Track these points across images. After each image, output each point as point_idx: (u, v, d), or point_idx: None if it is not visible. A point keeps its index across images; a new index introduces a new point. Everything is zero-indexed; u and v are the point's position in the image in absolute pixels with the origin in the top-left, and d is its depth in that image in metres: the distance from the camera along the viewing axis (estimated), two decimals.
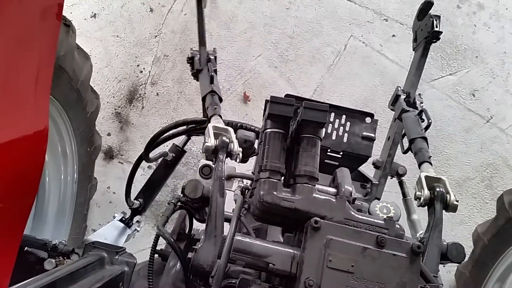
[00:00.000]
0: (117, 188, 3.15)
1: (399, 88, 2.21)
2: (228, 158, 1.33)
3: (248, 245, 0.98)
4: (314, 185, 1.04)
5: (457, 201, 1.44)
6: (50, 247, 1.55)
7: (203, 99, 1.77)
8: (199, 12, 2.10)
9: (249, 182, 1.70)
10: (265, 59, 3.43)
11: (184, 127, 1.79)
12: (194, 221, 1.58)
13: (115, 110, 3.32)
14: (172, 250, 1.41)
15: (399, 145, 2.18)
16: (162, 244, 1.45)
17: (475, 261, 2.25)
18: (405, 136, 1.97)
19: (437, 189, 1.44)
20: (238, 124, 1.72)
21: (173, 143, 2.04)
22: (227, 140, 1.30)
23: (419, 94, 2.21)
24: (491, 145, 3.30)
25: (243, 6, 3.49)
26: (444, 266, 1.48)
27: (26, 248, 1.55)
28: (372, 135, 1.86)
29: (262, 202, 1.02)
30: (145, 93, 3.36)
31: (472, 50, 3.44)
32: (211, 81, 1.82)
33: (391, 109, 2.25)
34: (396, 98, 2.18)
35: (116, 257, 1.29)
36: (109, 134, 3.27)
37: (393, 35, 3.47)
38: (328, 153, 1.84)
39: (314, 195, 1.02)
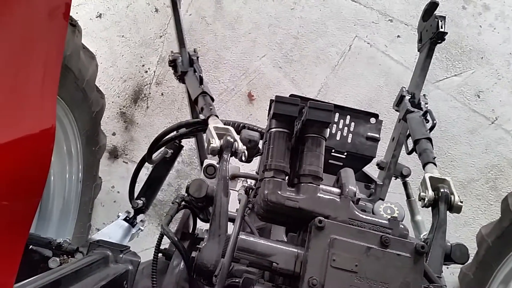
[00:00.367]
0: (121, 187, 3.16)
1: (403, 89, 2.21)
2: (232, 157, 1.33)
3: (252, 244, 0.98)
4: (319, 185, 1.04)
5: (462, 202, 1.43)
6: (54, 246, 1.56)
7: (195, 101, 1.77)
8: (175, 13, 2.09)
9: (253, 182, 1.70)
10: (270, 59, 3.43)
11: (186, 128, 1.79)
12: (198, 220, 1.59)
13: (120, 109, 3.34)
14: (176, 249, 1.42)
15: (403, 146, 2.17)
16: (165, 243, 1.46)
17: (479, 262, 2.24)
18: (410, 137, 1.96)
19: (442, 190, 1.43)
20: (241, 125, 1.73)
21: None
22: (232, 140, 1.30)
23: (424, 95, 2.21)
24: (496, 146, 3.29)
25: (248, 6, 3.50)
26: (447, 267, 1.48)
27: (30, 246, 1.57)
28: (377, 135, 1.86)
29: (266, 201, 1.03)
30: (150, 93, 3.37)
31: (477, 51, 3.43)
32: (201, 82, 1.82)
33: (396, 110, 2.24)
34: (400, 98, 2.17)
35: (121, 255, 1.30)
36: (114, 134, 3.29)
37: (398, 36, 3.47)
38: (332, 154, 1.84)
39: (318, 194, 1.03)
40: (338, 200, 1.02)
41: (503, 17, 3.48)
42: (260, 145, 1.65)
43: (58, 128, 2.14)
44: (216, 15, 3.47)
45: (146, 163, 1.96)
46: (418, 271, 0.92)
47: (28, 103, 0.91)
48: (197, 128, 1.68)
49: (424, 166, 1.70)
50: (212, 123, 1.44)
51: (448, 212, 1.43)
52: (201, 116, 1.69)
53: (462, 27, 3.46)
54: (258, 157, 1.81)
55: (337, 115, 1.86)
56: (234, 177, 1.71)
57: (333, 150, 1.84)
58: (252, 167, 2.26)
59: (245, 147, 1.33)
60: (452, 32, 3.37)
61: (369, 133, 1.85)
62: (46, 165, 0.94)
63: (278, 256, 0.97)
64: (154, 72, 3.40)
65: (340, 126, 1.86)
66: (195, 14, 3.47)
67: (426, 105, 2.10)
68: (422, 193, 1.47)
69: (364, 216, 1.01)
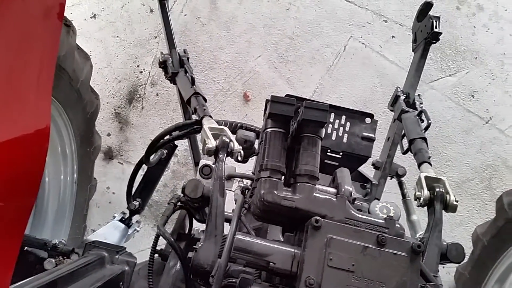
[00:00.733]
0: (116, 188, 3.15)
1: (398, 89, 2.22)
2: (228, 158, 1.33)
3: (248, 244, 0.98)
4: (315, 184, 1.04)
5: (457, 201, 1.44)
6: (50, 247, 1.55)
7: (188, 102, 1.76)
8: (163, 15, 2.09)
9: (249, 182, 1.70)
10: (265, 59, 3.44)
11: (183, 129, 1.79)
12: (194, 221, 1.59)
13: (115, 110, 3.32)
14: (172, 250, 1.41)
15: (398, 146, 2.18)
16: (162, 244, 1.46)
17: (474, 262, 2.25)
18: (405, 137, 1.97)
19: (437, 189, 1.44)
20: (238, 124, 1.72)
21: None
22: (227, 140, 1.30)
23: (419, 95, 2.22)
24: (490, 146, 3.31)
25: (243, 7, 3.50)
26: (443, 267, 1.48)
27: (26, 247, 1.55)
28: (372, 135, 1.86)
29: (262, 201, 1.03)
30: (145, 94, 3.36)
31: (471, 51, 3.45)
32: (193, 83, 1.81)
33: (391, 110, 2.25)
34: (395, 99, 2.18)
35: (117, 256, 1.29)
36: (108, 135, 3.27)
37: (393, 36, 3.48)
38: (328, 154, 1.85)
39: (314, 194, 1.03)
40: (334, 199, 1.02)
41: (496, 18, 3.50)
42: (256, 145, 1.65)
43: (53, 129, 2.13)
44: (211, 15, 3.47)
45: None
46: (414, 270, 0.92)
47: (22, 103, 0.91)
48: (194, 129, 1.68)
49: (419, 165, 1.70)
50: (207, 124, 1.44)
51: (443, 211, 1.44)
52: (194, 117, 1.69)
53: (457, 27, 3.48)
54: (254, 157, 1.81)
55: (332, 115, 1.86)
56: (230, 177, 1.71)
57: (328, 150, 1.84)
58: (248, 168, 2.26)
59: (241, 147, 1.33)
60: (447, 32, 3.39)
61: (364, 133, 1.86)
62: (41, 165, 0.94)
63: (275, 256, 0.97)
64: (149, 72, 3.39)
65: (336, 126, 1.86)
66: (190, 14, 3.47)
67: (421, 105, 2.11)
68: (417, 193, 1.47)
69: (361, 216, 1.01)
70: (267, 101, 1.17)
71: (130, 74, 3.38)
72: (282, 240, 1.16)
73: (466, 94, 3.40)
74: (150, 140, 3.20)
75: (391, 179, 2.28)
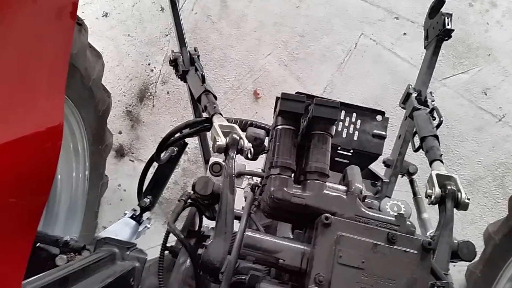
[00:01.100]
0: (128, 185, 3.17)
1: (410, 86, 2.19)
2: (238, 155, 1.33)
3: (258, 240, 0.98)
4: (325, 182, 1.04)
5: (468, 199, 1.42)
6: (61, 243, 1.56)
7: (198, 100, 1.77)
8: (174, 13, 2.09)
9: (259, 179, 1.70)
10: (275, 57, 3.43)
11: (194, 126, 1.79)
12: (204, 218, 1.59)
13: (126, 108, 3.35)
14: (182, 247, 1.42)
15: (410, 144, 2.16)
16: (172, 241, 1.46)
17: (486, 260, 2.23)
18: (416, 134, 1.95)
19: (448, 187, 1.42)
20: (248, 122, 1.72)
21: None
22: (237, 138, 1.30)
23: (431, 92, 2.19)
24: (503, 144, 3.27)
25: (253, 5, 3.50)
26: (454, 265, 1.47)
27: (38, 244, 1.57)
28: (383, 133, 1.85)
29: (272, 198, 1.03)
30: (155, 92, 3.38)
31: (484, 48, 3.41)
32: (203, 81, 1.82)
33: (402, 107, 2.23)
34: (407, 96, 2.16)
35: (127, 252, 1.30)
36: (120, 132, 3.30)
37: (404, 33, 3.45)
38: (338, 151, 1.84)
39: (324, 191, 1.02)
40: (345, 197, 1.02)
41: (510, 14, 3.45)
42: (265, 143, 1.65)
43: (65, 126, 2.15)
44: (221, 13, 3.47)
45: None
46: (425, 267, 0.92)
47: (36, 101, 0.92)
48: (204, 126, 1.68)
49: (430, 163, 1.69)
50: (217, 121, 1.44)
51: (455, 209, 1.42)
52: (205, 115, 1.69)
53: (469, 24, 3.44)
54: (264, 155, 1.81)
55: (343, 112, 1.85)
56: (240, 174, 1.71)
57: (339, 148, 1.83)
58: (258, 165, 2.27)
59: (251, 145, 1.33)
60: (459, 29, 3.35)
61: (375, 131, 1.85)
62: (54, 163, 0.95)
63: (285, 253, 0.97)
64: (160, 71, 3.41)
65: (346, 124, 1.85)
66: (200, 12, 3.48)
67: (433, 102, 2.09)
68: (428, 190, 1.46)
69: (371, 213, 1.01)
70: (277, 98, 1.17)
71: (141, 72, 3.40)
72: (292, 237, 1.17)
73: (479, 91, 3.35)
74: (161, 137, 3.21)
75: (402, 177, 2.26)
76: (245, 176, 1.74)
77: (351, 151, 1.84)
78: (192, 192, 1.39)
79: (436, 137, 1.79)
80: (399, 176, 2.23)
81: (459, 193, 1.42)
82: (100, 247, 1.31)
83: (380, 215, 1.00)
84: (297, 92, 1.79)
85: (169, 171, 2.16)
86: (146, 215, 2.12)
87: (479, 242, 2.28)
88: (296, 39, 3.46)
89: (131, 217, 2.03)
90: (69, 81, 1.90)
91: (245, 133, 1.51)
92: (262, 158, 1.75)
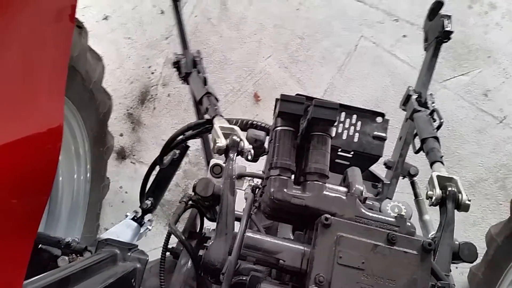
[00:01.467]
0: (129, 188, 3.18)
1: (410, 88, 2.20)
2: (239, 157, 1.34)
3: (258, 241, 0.99)
4: (325, 183, 1.04)
5: (469, 201, 1.42)
6: (63, 245, 1.57)
7: (200, 102, 1.78)
8: (177, 16, 2.11)
9: (259, 181, 1.70)
10: (275, 60, 3.44)
11: (196, 128, 1.80)
12: (205, 220, 1.59)
13: (127, 111, 3.36)
14: (183, 248, 1.42)
15: (411, 145, 2.16)
16: (173, 243, 1.47)
17: (488, 262, 2.22)
18: (417, 136, 1.95)
19: (449, 189, 1.42)
20: (249, 122, 1.73)
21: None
22: (238, 139, 1.31)
23: (431, 94, 2.19)
24: (504, 145, 3.27)
25: (253, 7, 3.51)
26: (457, 267, 1.47)
27: (40, 245, 1.58)
28: (383, 134, 1.85)
29: (272, 199, 1.03)
30: (156, 94, 3.39)
31: (484, 50, 3.41)
32: (205, 83, 1.83)
33: (403, 109, 2.23)
34: (407, 98, 2.16)
35: (129, 253, 1.30)
36: (121, 135, 3.31)
37: (404, 36, 3.46)
38: (338, 153, 1.84)
39: (324, 192, 1.03)
40: (345, 197, 1.02)
41: (510, 16, 3.45)
42: (266, 145, 1.66)
43: (66, 129, 2.16)
44: (221, 16, 3.49)
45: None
46: (425, 268, 0.92)
47: (36, 102, 0.93)
48: (206, 128, 1.69)
49: (431, 165, 1.69)
50: (218, 123, 1.45)
51: (456, 211, 1.42)
52: (206, 117, 1.69)
53: (469, 26, 3.45)
54: (265, 157, 1.81)
55: (343, 114, 1.86)
56: (241, 176, 1.71)
57: (339, 150, 1.84)
58: (258, 167, 2.27)
59: (251, 146, 1.33)
60: (459, 31, 3.36)
61: (375, 132, 1.85)
62: (54, 164, 0.95)
63: (285, 253, 0.97)
64: (161, 73, 3.41)
65: (347, 126, 1.85)
66: (200, 15, 3.49)
67: (433, 104, 2.09)
68: (429, 192, 1.46)
69: (371, 214, 1.01)
70: (276, 99, 1.17)
71: (142, 75, 3.41)
72: (292, 238, 1.17)
73: (479, 93, 3.36)
74: (162, 140, 3.24)
75: (403, 178, 2.26)
76: (246, 177, 1.74)
77: (352, 152, 1.84)
78: (193, 193, 1.39)
79: (437, 138, 1.80)
80: (400, 178, 2.23)
81: (460, 195, 1.42)
82: (101, 248, 1.31)
83: (380, 216, 1.00)
84: (297, 94, 1.80)
85: (171, 174, 2.17)
86: (147, 217, 2.12)
87: (481, 244, 2.28)
88: (296, 42, 3.47)
89: (133, 219, 2.04)
90: (70, 84, 1.92)
91: (245, 133, 1.52)
92: (262, 160, 1.75)
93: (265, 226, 1.52)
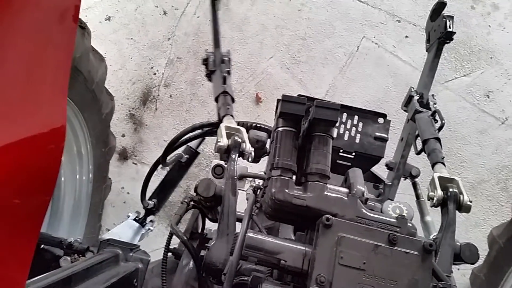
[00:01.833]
0: (131, 188, 3.18)
1: (412, 89, 2.20)
2: (241, 158, 1.34)
3: (260, 241, 0.99)
4: (326, 183, 1.04)
5: (471, 202, 1.42)
6: (65, 245, 1.57)
7: (216, 100, 1.79)
8: (213, 14, 2.13)
9: (261, 182, 1.71)
10: (277, 60, 3.44)
11: (201, 130, 1.80)
12: (207, 221, 1.60)
13: (129, 111, 3.36)
14: (185, 249, 1.43)
15: (412, 146, 2.16)
16: (175, 243, 1.47)
17: (490, 264, 2.22)
18: (419, 137, 1.95)
19: (450, 190, 1.43)
20: (253, 125, 1.73)
21: (187, 145, 2.06)
22: (239, 140, 1.31)
23: (433, 95, 2.19)
24: (506, 147, 3.26)
25: (255, 8, 3.51)
26: (458, 269, 1.46)
27: (42, 245, 1.58)
28: (385, 135, 1.85)
29: (274, 200, 1.03)
30: (158, 95, 3.39)
31: (486, 51, 3.41)
32: (224, 82, 1.84)
33: (404, 110, 2.23)
34: (409, 99, 2.16)
35: (131, 254, 1.31)
36: (123, 135, 3.31)
37: (406, 36, 3.46)
38: (340, 154, 1.84)
39: (325, 193, 1.03)
40: (346, 198, 1.02)
41: None
42: (268, 145, 1.66)
43: (68, 129, 2.16)
44: (223, 17, 3.49)
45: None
46: (426, 269, 0.92)
47: (38, 102, 0.93)
48: (211, 130, 1.69)
49: (433, 166, 1.69)
50: (225, 123, 1.45)
51: (457, 212, 1.42)
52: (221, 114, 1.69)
53: (471, 27, 3.44)
54: (266, 157, 1.81)
55: (345, 115, 1.86)
56: (242, 177, 1.72)
57: (341, 150, 1.84)
58: (260, 168, 2.27)
59: (252, 149, 1.34)
60: (461, 32, 3.36)
61: (377, 133, 1.85)
62: (57, 164, 0.96)
63: (286, 254, 0.97)
64: (163, 74, 3.42)
65: (348, 126, 1.85)
66: (203, 16, 3.49)
67: (435, 105, 2.09)
68: (431, 193, 1.46)
69: (372, 214, 1.01)
70: (278, 100, 1.18)
71: (144, 75, 3.42)
72: (293, 238, 1.17)
73: (481, 94, 3.35)
74: (164, 140, 3.25)
75: (404, 180, 2.26)
76: (247, 178, 1.74)
77: (353, 153, 1.84)
78: (194, 194, 1.40)
79: (438, 139, 1.80)
80: (402, 179, 2.23)
81: (461, 196, 1.42)
82: (103, 249, 1.32)
83: (381, 217, 1.01)
84: (299, 95, 1.80)
85: (178, 178, 2.16)
86: (149, 217, 2.12)
87: (483, 245, 2.27)
88: (298, 42, 3.47)
89: (135, 220, 2.04)
90: (72, 84, 1.92)
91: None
92: (264, 160, 1.76)
93: (266, 226, 1.52)
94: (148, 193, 2.11)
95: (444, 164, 1.68)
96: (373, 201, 1.87)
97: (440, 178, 1.48)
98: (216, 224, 1.22)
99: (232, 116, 1.61)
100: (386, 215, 1.08)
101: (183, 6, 3.52)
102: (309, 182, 1.04)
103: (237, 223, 1.21)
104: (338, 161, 1.85)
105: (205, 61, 2.05)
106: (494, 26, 3.44)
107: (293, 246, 0.99)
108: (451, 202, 1.41)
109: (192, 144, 2.07)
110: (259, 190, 1.52)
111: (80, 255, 1.54)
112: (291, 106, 1.07)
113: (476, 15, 3.46)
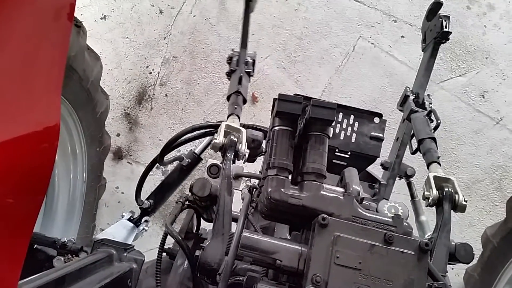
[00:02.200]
0: (125, 188, 3.17)
1: (408, 88, 2.20)
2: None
3: (255, 241, 0.98)
4: (322, 183, 1.04)
5: (466, 201, 1.43)
6: (59, 245, 1.56)
7: (228, 98, 1.79)
8: (245, 15, 2.15)
9: (257, 181, 1.70)
10: (274, 60, 3.44)
11: (201, 131, 1.79)
12: (202, 221, 1.59)
13: (124, 111, 3.35)
14: (180, 249, 1.42)
15: (407, 146, 2.16)
16: (169, 243, 1.46)
17: (484, 263, 2.23)
18: (414, 137, 1.96)
19: (446, 189, 1.43)
20: (249, 126, 1.73)
21: (191, 149, 2.05)
22: (235, 140, 1.30)
23: (428, 95, 2.20)
24: (501, 147, 3.27)
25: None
26: (452, 268, 1.47)
27: (35, 245, 1.57)
28: (381, 135, 1.86)
29: (269, 199, 1.03)
30: (154, 94, 3.38)
31: (482, 51, 3.42)
32: (239, 82, 1.84)
33: (400, 110, 2.23)
34: (405, 98, 2.17)
35: (125, 254, 1.30)
36: (118, 135, 3.30)
37: (402, 36, 3.46)
38: (336, 153, 1.84)
39: (321, 192, 1.02)
40: (342, 197, 1.02)
41: (508, 17, 3.46)
42: (263, 145, 1.66)
43: (63, 128, 2.15)
44: (220, 16, 3.48)
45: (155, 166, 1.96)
46: (422, 268, 0.92)
47: (32, 101, 0.92)
48: (210, 131, 1.69)
49: (428, 165, 1.69)
50: (228, 122, 1.44)
51: (452, 212, 1.43)
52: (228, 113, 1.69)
53: (467, 27, 3.46)
54: (262, 157, 1.81)
55: (340, 114, 1.86)
56: (238, 176, 1.71)
57: (336, 150, 1.83)
58: (256, 167, 2.27)
59: (248, 151, 1.33)
60: (457, 32, 3.37)
61: (373, 133, 1.85)
62: (50, 163, 0.95)
63: (282, 254, 0.97)
64: (158, 73, 3.41)
65: (344, 126, 1.85)
66: (199, 15, 3.48)
67: (430, 105, 2.10)
68: (426, 192, 1.46)
69: (368, 214, 1.01)
70: (274, 99, 1.17)
71: (139, 74, 3.40)
72: (289, 238, 1.16)
73: (477, 94, 3.36)
74: (159, 140, 3.24)
75: (400, 179, 2.26)
76: (243, 178, 1.74)
77: (349, 153, 1.84)
78: (190, 194, 1.39)
79: (434, 139, 1.80)
80: (397, 178, 2.23)
81: (456, 195, 1.42)
82: (97, 249, 1.31)
83: (377, 216, 1.00)
84: (295, 94, 1.80)
85: (177, 181, 2.13)
86: (144, 218, 2.11)
87: (477, 245, 2.28)
88: (295, 42, 3.47)
89: (129, 219, 2.03)
90: (67, 83, 1.91)
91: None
92: (260, 160, 1.75)
93: (262, 226, 1.52)
94: (143, 193, 2.11)
95: (439, 164, 1.68)
96: (368, 200, 1.87)
97: (435, 177, 1.49)
98: (211, 224, 1.21)
99: (238, 116, 1.60)
100: (381, 214, 1.07)
101: (179, 5, 3.51)
102: (305, 182, 1.04)
103: (232, 222, 1.21)
104: (334, 161, 1.85)
105: (230, 60, 2.05)
106: (490, 27, 3.46)
107: (289, 246, 0.98)
108: (446, 201, 1.41)
109: (194, 147, 2.06)
110: (254, 190, 1.51)
111: (74, 255, 1.52)
112: (287, 105, 1.07)
113: (472, 15, 3.48)
